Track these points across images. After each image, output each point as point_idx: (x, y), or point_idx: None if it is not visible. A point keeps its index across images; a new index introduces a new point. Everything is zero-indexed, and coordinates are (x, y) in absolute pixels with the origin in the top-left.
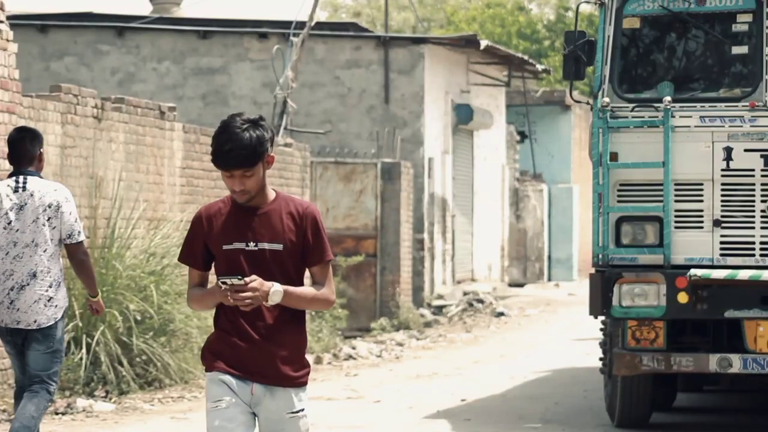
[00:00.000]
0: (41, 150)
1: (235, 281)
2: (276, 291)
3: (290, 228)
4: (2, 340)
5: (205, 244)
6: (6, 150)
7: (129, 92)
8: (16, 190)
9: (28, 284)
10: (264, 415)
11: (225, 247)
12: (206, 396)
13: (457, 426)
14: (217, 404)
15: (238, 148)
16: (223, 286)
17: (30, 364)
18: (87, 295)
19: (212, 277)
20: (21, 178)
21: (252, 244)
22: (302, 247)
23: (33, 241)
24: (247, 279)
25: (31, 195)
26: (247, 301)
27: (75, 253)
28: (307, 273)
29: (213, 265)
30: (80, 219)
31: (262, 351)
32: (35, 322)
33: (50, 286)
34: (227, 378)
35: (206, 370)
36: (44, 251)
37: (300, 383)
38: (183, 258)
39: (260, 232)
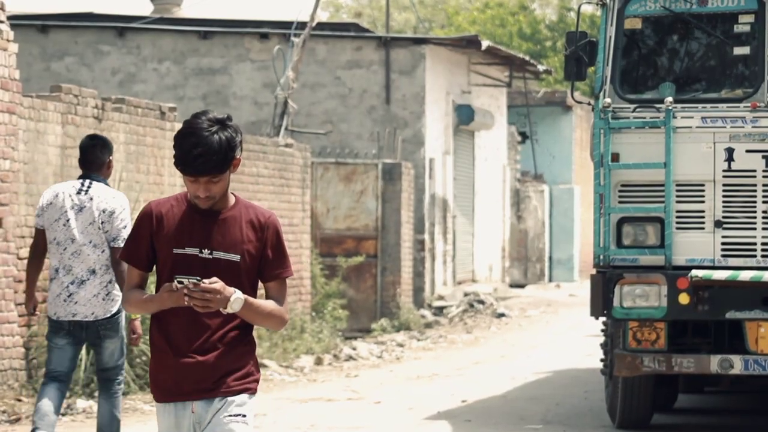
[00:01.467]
0: (110, 158)
1: (194, 282)
2: (237, 299)
3: (249, 238)
4: (56, 335)
5: (152, 244)
6: (6, 150)
7: (129, 92)
8: (79, 192)
9: (87, 279)
10: (205, 424)
11: (176, 251)
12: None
13: (458, 427)
14: None
15: (208, 154)
16: (179, 286)
17: (104, 357)
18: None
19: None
20: (86, 182)
21: (206, 251)
22: (260, 259)
23: (90, 242)
24: (206, 281)
25: (91, 199)
26: (206, 303)
27: (115, 256)
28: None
29: (156, 268)
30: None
31: (200, 366)
32: (92, 314)
33: (110, 282)
34: (169, 408)
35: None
36: (102, 252)
37: (240, 390)
38: (125, 255)
39: (217, 239)
